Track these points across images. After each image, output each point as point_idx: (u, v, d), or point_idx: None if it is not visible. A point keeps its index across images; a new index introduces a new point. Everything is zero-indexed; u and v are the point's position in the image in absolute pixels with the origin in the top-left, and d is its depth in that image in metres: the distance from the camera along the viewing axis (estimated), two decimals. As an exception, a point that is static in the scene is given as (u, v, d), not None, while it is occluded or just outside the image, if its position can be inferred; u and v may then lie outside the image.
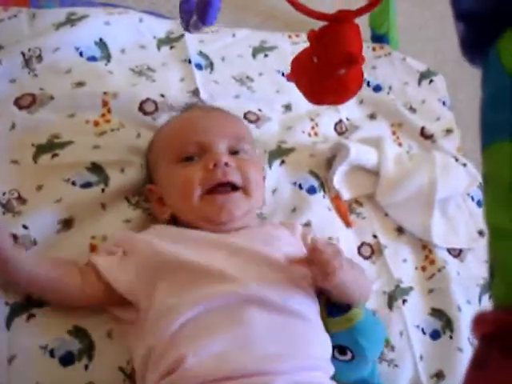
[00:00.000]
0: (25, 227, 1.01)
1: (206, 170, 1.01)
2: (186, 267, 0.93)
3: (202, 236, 1.00)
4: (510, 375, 0.33)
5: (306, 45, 0.89)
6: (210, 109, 1.18)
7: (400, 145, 1.47)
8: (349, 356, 1.00)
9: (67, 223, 1.05)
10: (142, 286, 0.94)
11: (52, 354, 0.93)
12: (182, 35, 1.43)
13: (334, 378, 0.93)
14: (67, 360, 0.94)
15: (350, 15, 0.81)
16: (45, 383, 0.91)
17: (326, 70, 0.85)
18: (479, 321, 0.36)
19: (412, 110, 1.56)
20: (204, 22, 1.08)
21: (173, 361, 0.84)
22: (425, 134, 1.49)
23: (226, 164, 1.02)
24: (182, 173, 1.03)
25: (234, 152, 1.07)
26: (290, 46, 1.54)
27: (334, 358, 0.98)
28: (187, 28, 1.13)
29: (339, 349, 1.00)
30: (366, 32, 1.72)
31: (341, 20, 0.81)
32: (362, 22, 1.61)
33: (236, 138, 1.08)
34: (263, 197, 1.13)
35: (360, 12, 0.80)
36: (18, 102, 1.16)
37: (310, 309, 0.97)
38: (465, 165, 1.44)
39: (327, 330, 0.98)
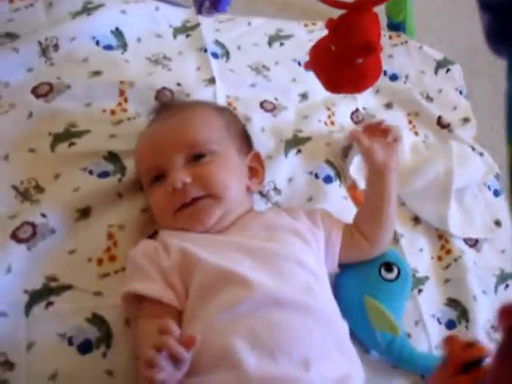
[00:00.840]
0: (43, 216, 1.02)
1: (168, 194, 1.00)
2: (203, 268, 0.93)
3: (202, 237, 1.00)
4: None
5: (323, 33, 0.88)
6: (169, 115, 1.11)
7: (416, 134, 1.46)
8: (395, 273, 1.08)
9: (85, 212, 1.06)
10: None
11: (70, 341, 0.94)
12: (198, 24, 1.44)
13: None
14: (85, 348, 0.94)
15: (368, 3, 0.80)
16: (63, 370, 0.92)
17: (345, 59, 0.85)
18: (505, 312, 0.36)
19: (429, 98, 1.55)
20: (216, 8, 1.08)
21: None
22: (441, 123, 1.48)
23: (184, 184, 0.99)
24: (152, 197, 1.05)
25: (195, 158, 1.03)
26: (306, 34, 1.54)
27: (380, 277, 1.06)
28: (200, 11, 1.13)
29: (386, 266, 1.08)
30: (382, 20, 1.70)
31: (359, 8, 0.80)
32: (379, 10, 1.61)
33: (193, 145, 1.04)
34: (244, 186, 1.09)
35: (378, 0, 0.79)
36: (35, 91, 1.18)
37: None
38: (481, 154, 1.43)
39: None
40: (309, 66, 0.93)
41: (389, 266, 1.09)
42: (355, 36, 0.80)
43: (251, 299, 0.88)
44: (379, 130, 1.12)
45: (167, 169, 1.01)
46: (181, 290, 0.93)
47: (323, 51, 0.88)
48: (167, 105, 1.17)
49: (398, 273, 1.09)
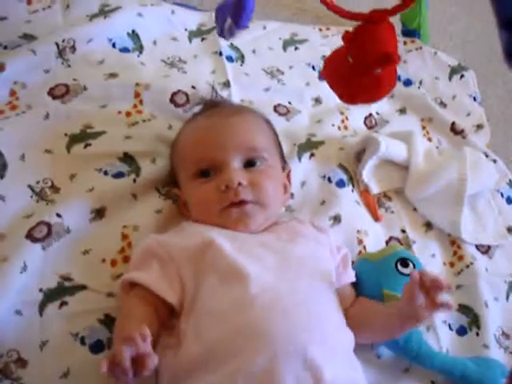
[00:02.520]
0: (58, 215, 1.03)
1: (219, 190, 1.02)
2: (221, 262, 0.94)
3: (231, 234, 1.00)
4: None
5: (337, 38, 0.90)
6: (228, 113, 1.13)
7: (430, 140, 1.46)
8: (410, 268, 1.09)
9: (99, 212, 1.07)
10: (188, 289, 0.94)
11: (83, 341, 0.95)
12: (214, 28, 1.45)
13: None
14: (97, 347, 0.95)
15: (384, 15, 0.81)
16: (75, 369, 0.93)
17: (361, 70, 0.85)
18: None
19: (442, 104, 1.56)
20: (238, 25, 1.09)
21: None
22: (455, 130, 1.49)
23: (239, 183, 1.01)
24: (198, 191, 1.04)
25: (250, 163, 1.06)
26: (321, 39, 1.56)
27: (397, 271, 1.08)
28: (222, 34, 1.14)
29: (402, 261, 1.10)
30: (396, 26, 1.71)
31: (375, 20, 0.81)
32: (393, 17, 1.62)
33: (251, 150, 1.06)
34: (282, 199, 1.12)
35: (394, 11, 0.80)
36: (51, 92, 1.19)
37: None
38: (495, 161, 1.43)
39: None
40: (324, 75, 0.94)
41: (404, 262, 1.10)
42: (373, 47, 0.81)
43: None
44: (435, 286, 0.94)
45: (222, 165, 1.03)
46: (177, 284, 0.94)
47: (339, 62, 0.89)
48: (218, 102, 1.20)
49: (413, 268, 1.10)
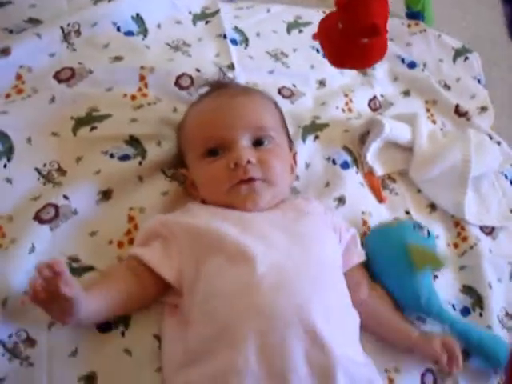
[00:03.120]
0: (65, 197, 1.04)
1: (228, 168, 1.03)
2: (226, 245, 0.95)
3: (237, 215, 1.02)
4: None
5: None
6: (235, 93, 1.15)
7: (434, 122, 1.47)
8: (426, 232, 1.15)
9: (106, 194, 1.08)
10: (189, 269, 0.96)
11: None
12: (218, 11, 1.47)
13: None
14: (105, 327, 0.96)
15: None
16: (83, 347, 0.94)
17: (350, 37, 0.88)
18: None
19: (446, 87, 1.57)
20: None
21: None
22: (459, 112, 1.49)
23: (248, 161, 1.03)
24: (207, 169, 1.06)
25: (258, 142, 1.07)
26: (325, 22, 1.55)
27: (415, 231, 1.14)
28: None
29: (418, 226, 1.16)
30: (401, 9, 1.72)
31: None
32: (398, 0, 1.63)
33: (259, 129, 1.08)
34: (291, 180, 1.16)
35: None
36: (57, 76, 1.20)
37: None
38: (499, 143, 1.44)
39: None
40: (317, 36, 0.96)
41: (420, 226, 1.16)
42: (362, 17, 0.83)
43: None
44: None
45: (231, 143, 1.05)
46: (177, 263, 0.97)
47: (330, 26, 0.91)
48: (225, 83, 1.22)
49: (428, 234, 1.15)
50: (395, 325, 1.08)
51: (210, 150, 1.06)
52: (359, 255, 1.11)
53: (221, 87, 1.18)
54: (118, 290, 0.94)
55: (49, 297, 0.82)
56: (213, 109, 1.11)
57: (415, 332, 1.08)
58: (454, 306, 1.20)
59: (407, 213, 1.29)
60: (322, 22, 0.94)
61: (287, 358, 0.85)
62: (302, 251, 0.98)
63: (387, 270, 1.12)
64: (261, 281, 0.90)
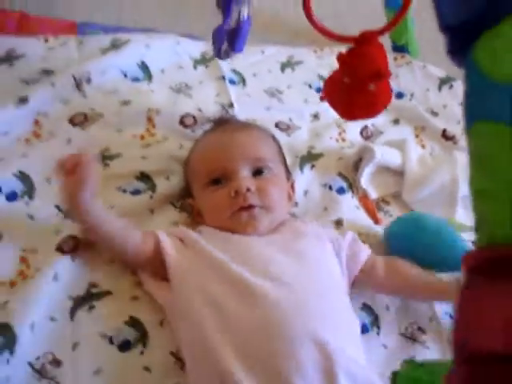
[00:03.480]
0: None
1: (229, 196, 1.12)
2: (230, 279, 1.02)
3: (239, 240, 1.10)
4: (487, 294, 0.43)
5: (331, 57, 0.97)
6: (235, 128, 1.25)
7: (423, 147, 1.55)
8: None
9: None
10: (187, 275, 1.04)
11: (111, 341, 1.03)
12: (216, 55, 1.56)
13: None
14: (125, 346, 1.03)
15: (373, 36, 0.88)
16: (106, 366, 1.00)
17: (358, 87, 0.93)
18: (467, 257, 0.46)
19: (434, 113, 1.63)
20: (234, 49, 1.19)
21: None
22: (446, 136, 1.57)
23: (248, 189, 1.12)
24: (211, 198, 1.15)
25: (257, 172, 1.16)
26: (316, 59, 1.66)
27: None
28: (219, 55, 1.24)
29: None
30: (387, 43, 1.82)
31: (366, 42, 0.88)
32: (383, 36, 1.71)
33: (258, 160, 1.17)
34: (289, 207, 1.24)
35: (382, 32, 0.88)
36: (71, 120, 1.30)
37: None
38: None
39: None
40: (324, 97, 1.02)
41: None
42: (366, 66, 0.88)
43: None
44: None
45: (232, 174, 1.13)
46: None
47: (337, 82, 0.96)
48: (226, 120, 1.32)
49: None
50: (424, 278, 1.15)
51: (213, 179, 1.15)
52: (365, 251, 1.18)
53: (222, 123, 1.28)
54: (122, 228, 1.08)
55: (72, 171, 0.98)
56: (215, 143, 1.20)
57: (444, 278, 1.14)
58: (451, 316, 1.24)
59: (402, 233, 1.36)
60: (328, 81, 1.00)
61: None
62: (302, 268, 1.04)
63: (430, 244, 1.20)
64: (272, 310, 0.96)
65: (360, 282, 1.15)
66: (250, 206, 1.11)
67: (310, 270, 1.06)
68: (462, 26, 0.52)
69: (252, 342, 0.94)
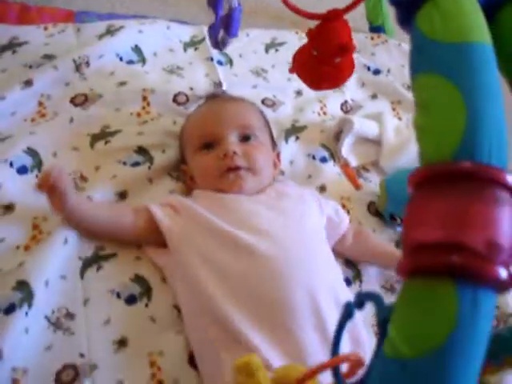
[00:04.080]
0: (89, 198, 1.22)
1: (218, 158, 1.22)
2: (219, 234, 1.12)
3: (230, 199, 1.20)
4: (426, 201, 0.56)
5: None
6: (226, 99, 1.37)
7: (400, 119, 1.65)
8: None
9: (122, 195, 1.26)
10: (183, 238, 1.14)
11: (118, 295, 1.11)
12: (204, 38, 1.67)
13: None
14: (131, 300, 1.11)
15: (339, 13, 0.95)
16: (114, 317, 1.09)
17: (325, 60, 1.01)
18: (411, 177, 0.58)
19: (409, 88, 1.69)
20: (229, 33, 1.29)
21: None
22: (421, 108, 1.67)
23: (235, 153, 1.22)
24: (202, 160, 1.24)
25: (244, 138, 1.26)
26: (297, 41, 1.76)
27: None
28: (217, 46, 1.34)
29: None
30: (365, 25, 1.93)
31: (332, 18, 0.95)
32: (360, 16, 1.82)
33: (246, 127, 1.27)
34: (274, 173, 1.33)
35: (346, 10, 0.94)
36: (73, 101, 1.40)
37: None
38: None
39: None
40: (293, 70, 1.11)
41: None
42: (332, 41, 0.97)
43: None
44: None
45: (221, 139, 1.23)
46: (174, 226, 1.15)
47: (305, 56, 1.05)
48: (217, 94, 1.43)
49: None
50: (384, 247, 1.29)
51: (204, 144, 1.25)
52: (345, 222, 1.28)
53: (214, 97, 1.39)
54: (109, 209, 1.19)
55: (49, 188, 1.05)
56: (207, 112, 1.31)
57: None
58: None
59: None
60: (297, 55, 1.08)
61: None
62: (286, 221, 1.15)
63: None
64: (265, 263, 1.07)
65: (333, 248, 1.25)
66: (237, 168, 1.21)
67: (294, 223, 1.16)
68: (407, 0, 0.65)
69: (248, 290, 1.04)
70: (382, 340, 0.56)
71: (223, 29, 1.29)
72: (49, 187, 1.05)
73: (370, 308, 0.62)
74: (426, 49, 0.62)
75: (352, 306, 0.64)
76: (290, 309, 1.02)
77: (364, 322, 1.11)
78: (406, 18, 0.67)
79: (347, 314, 0.64)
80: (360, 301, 0.63)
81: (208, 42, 1.64)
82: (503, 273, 0.52)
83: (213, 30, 1.32)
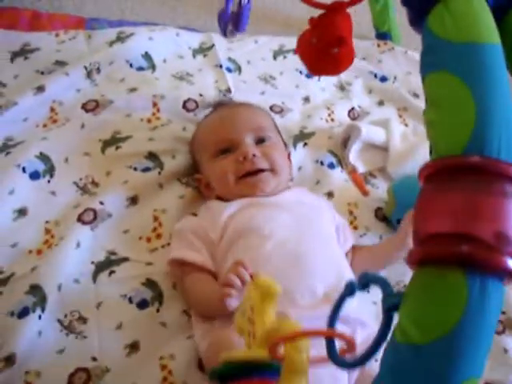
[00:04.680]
0: (101, 203, 1.24)
1: (237, 162, 1.23)
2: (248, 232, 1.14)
3: (249, 201, 1.21)
4: (436, 193, 0.58)
5: None
6: (235, 105, 1.39)
7: (406, 125, 1.65)
8: None
9: (133, 200, 1.28)
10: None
11: (130, 300, 1.13)
12: (213, 45, 1.69)
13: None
14: (143, 305, 1.13)
15: (342, 5, 0.96)
16: (126, 322, 1.10)
17: (323, 49, 1.01)
18: (421, 170, 0.61)
19: (415, 95, 1.74)
20: (238, 29, 1.31)
21: None
22: (427, 115, 1.68)
23: (254, 155, 1.23)
24: (219, 165, 1.25)
25: (260, 140, 1.28)
26: (306, 47, 1.77)
27: None
28: (225, 35, 1.36)
29: None
30: (371, 31, 1.94)
31: (335, 9, 0.96)
32: (367, 23, 1.83)
33: (260, 129, 1.29)
34: (290, 172, 1.35)
35: (351, 3, 0.94)
36: (84, 107, 1.42)
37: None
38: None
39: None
40: (297, 52, 1.09)
41: None
42: (331, 32, 0.97)
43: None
44: None
45: (238, 143, 1.25)
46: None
47: (306, 42, 1.04)
48: (226, 102, 1.45)
49: None
50: (385, 245, 1.30)
51: (220, 149, 1.25)
52: (350, 240, 1.27)
53: (222, 105, 1.40)
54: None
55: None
56: (220, 118, 1.32)
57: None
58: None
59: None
60: (300, 39, 1.07)
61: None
62: (303, 229, 1.16)
63: None
64: (271, 255, 1.09)
65: None
66: (259, 171, 1.23)
67: (309, 228, 1.18)
68: (419, 1, 0.67)
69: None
70: (387, 326, 0.58)
71: (232, 24, 1.30)
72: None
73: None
74: (437, 48, 0.65)
75: (354, 286, 0.66)
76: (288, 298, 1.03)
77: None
78: (418, 19, 0.70)
79: (348, 291, 0.66)
80: (365, 282, 0.65)
81: (217, 48, 1.67)
82: (511, 263, 0.54)
83: (222, 18, 1.33)
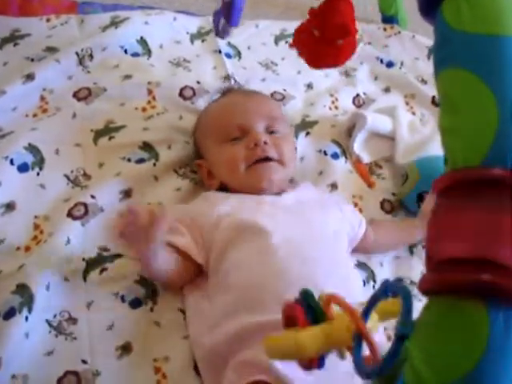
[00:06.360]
0: (92, 197, 1.19)
1: (248, 148, 1.18)
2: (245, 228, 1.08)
3: (250, 198, 1.16)
4: (456, 210, 0.51)
5: None
6: (247, 92, 1.35)
7: (414, 113, 1.60)
8: None
9: (127, 193, 1.22)
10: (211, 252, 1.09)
11: (123, 299, 1.08)
12: (211, 30, 1.61)
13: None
14: (136, 304, 1.09)
15: None
16: (118, 322, 1.06)
17: (326, 41, 0.98)
18: (436, 182, 0.53)
19: (423, 81, 1.69)
20: (230, 22, 1.25)
21: None
22: (436, 102, 1.61)
23: (265, 142, 1.19)
24: (228, 152, 1.20)
25: (271, 131, 1.23)
26: (308, 32, 1.71)
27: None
28: (218, 34, 1.30)
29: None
30: (377, 15, 1.88)
31: None
32: (373, 6, 1.77)
33: (271, 119, 1.24)
34: (295, 166, 1.29)
35: None
36: (76, 95, 1.36)
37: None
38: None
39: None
40: (294, 45, 1.07)
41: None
42: (334, 22, 0.94)
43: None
44: None
45: (249, 129, 1.20)
46: (203, 247, 1.09)
47: (306, 34, 1.01)
48: (236, 88, 1.40)
49: None
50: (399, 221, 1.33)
51: (230, 135, 1.20)
52: (362, 226, 1.23)
53: (231, 91, 1.35)
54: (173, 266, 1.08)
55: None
56: (231, 103, 1.27)
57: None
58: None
59: (393, 194, 1.41)
60: (298, 31, 1.04)
61: None
62: (305, 228, 1.11)
63: None
64: (276, 251, 1.04)
65: (355, 248, 1.23)
66: (267, 159, 1.18)
67: (313, 230, 1.12)
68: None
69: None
70: (395, 352, 0.51)
71: (224, 17, 1.25)
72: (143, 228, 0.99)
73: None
74: (452, 41, 0.57)
75: (389, 284, 0.59)
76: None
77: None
78: (430, 8, 0.62)
79: (383, 291, 0.60)
80: (384, 291, 0.58)
81: (216, 33, 1.60)
82: (540, 294, 0.47)
83: (216, 17, 1.27)
